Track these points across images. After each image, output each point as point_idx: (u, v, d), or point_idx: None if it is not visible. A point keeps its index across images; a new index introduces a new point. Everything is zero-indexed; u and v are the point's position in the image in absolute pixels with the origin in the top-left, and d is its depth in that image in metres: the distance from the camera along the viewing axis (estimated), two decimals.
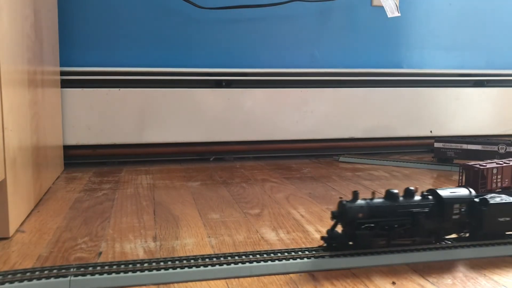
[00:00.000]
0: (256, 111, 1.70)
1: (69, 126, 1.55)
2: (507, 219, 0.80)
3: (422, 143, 1.86)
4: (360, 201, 0.76)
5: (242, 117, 1.69)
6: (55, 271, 0.68)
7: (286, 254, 0.76)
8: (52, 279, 0.66)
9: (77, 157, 1.58)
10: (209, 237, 0.88)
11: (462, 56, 1.96)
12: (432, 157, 1.63)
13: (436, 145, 1.59)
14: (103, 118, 1.58)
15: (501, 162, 1.13)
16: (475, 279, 0.71)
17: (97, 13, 1.61)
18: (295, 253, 0.76)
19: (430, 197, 0.79)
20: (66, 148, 1.55)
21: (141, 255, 0.79)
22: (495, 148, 1.50)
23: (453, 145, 1.56)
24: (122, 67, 1.59)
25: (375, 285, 0.69)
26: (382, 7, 1.70)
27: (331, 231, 0.77)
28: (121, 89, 1.59)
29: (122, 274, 0.68)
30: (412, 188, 0.78)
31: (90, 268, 0.69)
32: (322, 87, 1.76)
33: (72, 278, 0.67)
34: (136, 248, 0.82)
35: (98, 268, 0.69)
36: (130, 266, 0.70)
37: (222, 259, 0.73)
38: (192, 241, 0.86)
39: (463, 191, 0.80)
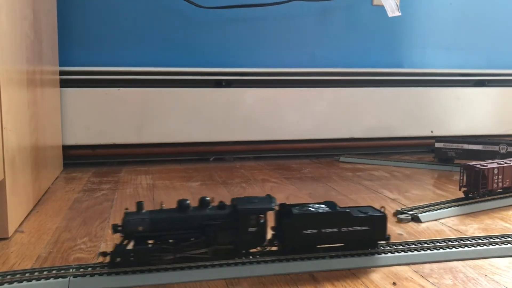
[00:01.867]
0: (256, 111, 1.69)
1: (68, 126, 1.54)
2: (314, 231, 0.73)
3: (423, 143, 1.86)
4: (143, 213, 0.69)
5: (242, 117, 1.68)
6: (54, 271, 0.68)
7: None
8: (51, 280, 0.66)
9: (77, 157, 1.58)
10: None
11: (463, 55, 1.95)
12: (433, 157, 1.62)
13: (437, 145, 1.59)
14: (102, 118, 1.57)
15: (502, 162, 1.12)
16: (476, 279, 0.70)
17: (97, 12, 1.61)
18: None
19: (226, 207, 0.72)
20: (66, 148, 1.55)
21: None
22: (496, 148, 1.49)
23: (454, 145, 1.56)
24: (122, 67, 1.59)
25: (375, 285, 0.68)
26: (383, 6, 1.70)
27: (120, 245, 0.69)
28: (120, 88, 1.58)
29: (121, 275, 0.68)
30: (207, 198, 0.73)
31: (90, 269, 0.69)
32: (322, 87, 1.75)
33: (72, 278, 0.67)
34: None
35: (98, 268, 0.69)
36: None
37: (222, 259, 0.73)
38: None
39: (264, 201, 0.73)
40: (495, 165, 1.10)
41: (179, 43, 1.68)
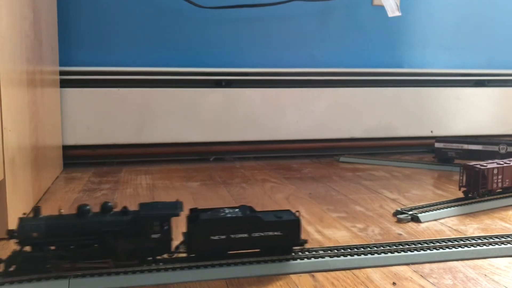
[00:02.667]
0: (256, 111, 1.69)
1: (68, 126, 1.55)
2: (223, 237, 0.71)
3: (423, 143, 1.86)
4: (39, 218, 0.66)
5: (242, 117, 1.68)
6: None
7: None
8: (51, 280, 0.66)
9: (76, 157, 1.58)
10: None
11: (463, 55, 1.95)
12: (433, 157, 1.62)
13: (437, 145, 1.59)
14: (102, 118, 1.57)
15: (502, 162, 1.12)
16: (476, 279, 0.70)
17: (97, 12, 1.61)
18: (295, 253, 0.76)
19: (129, 213, 0.69)
20: (65, 148, 1.55)
21: None
22: (496, 148, 1.49)
23: (454, 145, 1.56)
24: (122, 67, 1.59)
25: (375, 285, 0.68)
26: (383, 6, 1.70)
27: (16, 253, 0.66)
28: (120, 89, 1.58)
29: (122, 275, 0.68)
30: (109, 203, 0.70)
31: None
32: (322, 87, 1.75)
33: (72, 279, 0.67)
34: None
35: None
36: (130, 266, 0.70)
37: (222, 259, 0.73)
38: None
39: (170, 206, 0.70)
40: (494, 165, 1.10)
41: (179, 43, 1.68)
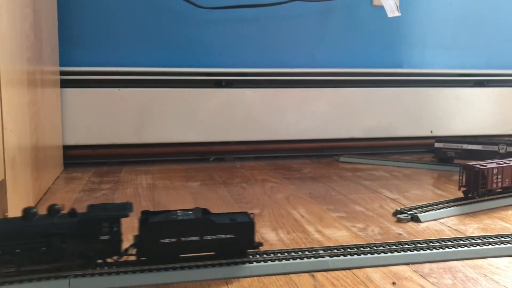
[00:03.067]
0: (256, 111, 1.69)
1: (68, 126, 1.55)
2: (173, 240, 0.69)
3: (423, 143, 1.86)
4: None
5: (242, 117, 1.68)
6: (54, 272, 0.68)
7: (286, 254, 0.75)
8: (52, 280, 0.66)
9: (77, 157, 1.58)
10: None
11: (463, 56, 1.96)
12: (433, 157, 1.63)
13: (437, 145, 1.59)
14: (102, 118, 1.57)
15: (501, 162, 1.12)
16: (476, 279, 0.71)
17: (97, 13, 1.61)
18: (295, 253, 0.76)
19: (77, 215, 0.68)
20: (66, 148, 1.55)
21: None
22: (495, 148, 1.50)
23: (454, 145, 1.56)
24: (122, 67, 1.59)
25: (375, 285, 0.68)
26: (382, 7, 1.70)
27: None
28: (120, 89, 1.58)
29: (121, 275, 0.68)
30: (57, 205, 0.68)
31: (90, 269, 0.69)
32: (322, 87, 1.75)
33: (72, 279, 0.67)
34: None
35: (98, 268, 0.69)
36: (130, 266, 0.70)
37: (222, 259, 0.73)
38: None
39: (119, 208, 0.69)
40: (494, 165, 1.10)
41: (180, 43, 1.68)
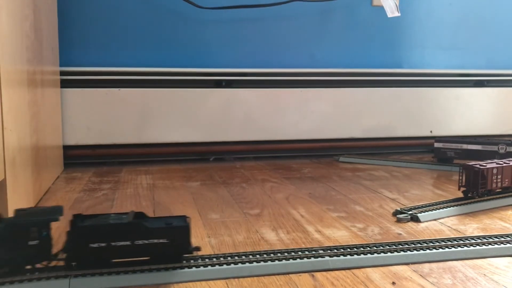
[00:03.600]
0: (256, 111, 1.69)
1: (68, 126, 1.55)
2: (103, 244, 0.67)
3: (422, 143, 1.86)
4: None
5: (242, 117, 1.68)
6: (55, 271, 0.68)
7: (286, 254, 0.76)
8: (52, 280, 0.66)
9: (77, 157, 1.58)
10: (209, 237, 0.88)
11: (463, 56, 1.96)
12: (432, 157, 1.63)
13: (436, 145, 1.59)
14: (102, 118, 1.57)
15: (501, 162, 1.12)
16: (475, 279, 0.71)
17: (97, 13, 1.61)
18: (295, 253, 0.76)
19: (2, 221, 0.66)
20: (66, 148, 1.55)
21: None
22: (495, 148, 1.50)
23: (453, 145, 1.56)
24: (122, 67, 1.59)
25: (375, 285, 0.68)
26: (382, 7, 1.70)
27: None
28: (121, 89, 1.59)
29: (121, 275, 0.68)
30: None
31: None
32: (322, 87, 1.76)
33: (72, 278, 0.67)
34: None
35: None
36: (130, 266, 0.70)
37: (222, 259, 0.73)
38: (192, 241, 0.86)
39: (48, 212, 0.67)
40: (494, 165, 1.10)
41: (180, 43, 1.69)
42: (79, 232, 0.67)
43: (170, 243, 0.69)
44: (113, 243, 0.67)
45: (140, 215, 0.71)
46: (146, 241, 0.68)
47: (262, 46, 1.76)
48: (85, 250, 0.67)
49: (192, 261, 0.72)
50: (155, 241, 0.68)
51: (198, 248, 0.72)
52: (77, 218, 0.69)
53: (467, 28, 1.95)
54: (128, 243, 0.67)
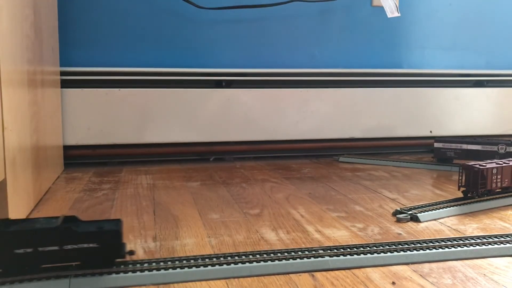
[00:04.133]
0: (256, 111, 1.70)
1: (69, 126, 1.55)
2: (29, 250, 0.64)
3: (422, 143, 1.86)
4: None
5: (242, 117, 1.69)
6: (55, 271, 0.68)
7: (286, 254, 0.76)
8: (52, 280, 0.66)
9: (77, 157, 1.58)
10: (209, 237, 0.88)
11: (462, 56, 1.96)
12: (432, 157, 1.63)
13: (436, 145, 1.59)
14: (103, 118, 1.58)
15: (501, 162, 1.12)
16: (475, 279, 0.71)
17: (97, 13, 1.61)
18: (295, 253, 0.76)
19: None
20: (66, 148, 1.55)
21: (141, 255, 0.79)
22: (494, 148, 1.50)
23: (453, 145, 1.56)
24: (122, 67, 1.59)
25: (375, 285, 0.69)
26: (382, 7, 1.70)
27: None
28: (121, 89, 1.59)
29: (122, 274, 0.68)
30: None
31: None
32: (323, 87, 1.76)
33: (72, 278, 0.67)
34: (136, 248, 0.82)
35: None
36: (130, 266, 0.70)
37: (222, 259, 0.73)
38: (192, 241, 0.86)
39: None
40: (494, 165, 1.10)
41: (180, 43, 1.69)
42: (3, 238, 0.64)
43: (100, 248, 0.67)
44: (40, 249, 0.65)
45: (71, 219, 0.69)
46: (75, 246, 0.66)
47: (262, 46, 1.76)
48: (11, 256, 0.64)
49: (192, 261, 0.72)
50: (85, 245, 0.67)
51: (132, 252, 0.71)
52: (2, 224, 0.67)
53: (467, 28, 1.95)
54: (56, 248, 0.66)
